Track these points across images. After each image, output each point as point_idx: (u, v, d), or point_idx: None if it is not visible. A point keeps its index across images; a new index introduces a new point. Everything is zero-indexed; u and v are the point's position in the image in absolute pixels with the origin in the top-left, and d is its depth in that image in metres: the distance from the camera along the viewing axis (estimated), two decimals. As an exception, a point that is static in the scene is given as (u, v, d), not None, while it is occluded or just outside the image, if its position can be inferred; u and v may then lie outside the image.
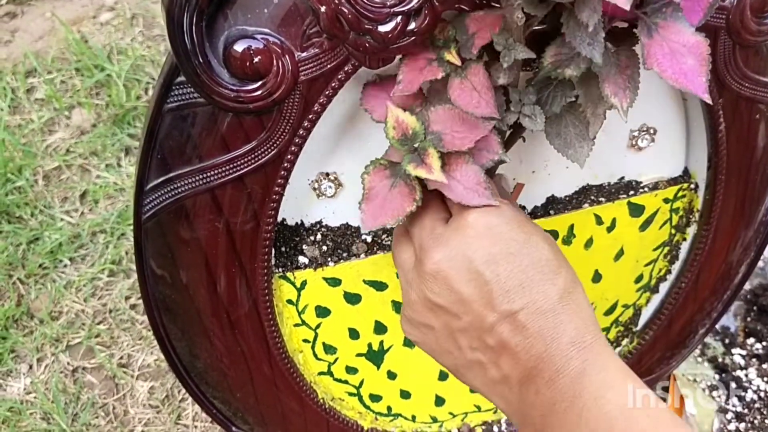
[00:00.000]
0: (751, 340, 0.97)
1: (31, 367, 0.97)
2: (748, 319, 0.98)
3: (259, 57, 0.48)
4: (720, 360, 0.95)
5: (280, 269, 0.62)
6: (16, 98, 1.22)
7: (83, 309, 1.01)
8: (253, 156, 0.53)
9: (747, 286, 1.01)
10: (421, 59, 0.49)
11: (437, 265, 0.48)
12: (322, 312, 0.66)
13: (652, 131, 0.66)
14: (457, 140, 0.49)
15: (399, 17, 0.48)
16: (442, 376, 0.75)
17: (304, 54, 0.49)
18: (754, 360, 0.95)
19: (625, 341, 0.79)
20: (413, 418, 0.77)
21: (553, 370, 0.45)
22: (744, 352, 0.96)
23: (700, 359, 0.95)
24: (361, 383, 0.72)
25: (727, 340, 0.97)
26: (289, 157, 0.54)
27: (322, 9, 0.47)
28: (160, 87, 0.51)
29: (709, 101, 0.47)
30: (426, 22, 0.48)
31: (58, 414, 0.92)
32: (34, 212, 1.10)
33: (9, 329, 1.00)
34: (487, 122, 0.49)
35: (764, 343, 0.96)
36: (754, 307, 0.99)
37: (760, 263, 1.03)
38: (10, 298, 1.02)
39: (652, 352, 0.79)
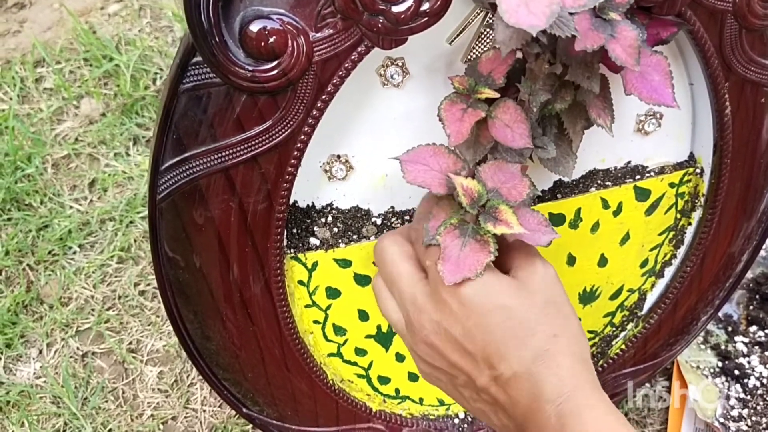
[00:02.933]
0: (753, 328, 0.97)
1: (41, 351, 0.98)
2: (751, 307, 0.99)
3: (274, 37, 0.49)
4: (723, 347, 0.96)
5: (292, 250, 0.63)
6: (25, 88, 1.23)
7: (93, 295, 1.02)
8: (267, 136, 0.54)
9: (749, 275, 1.02)
10: (456, 111, 0.53)
11: (427, 337, 0.54)
12: (333, 293, 0.67)
13: (658, 116, 0.67)
14: (513, 192, 0.54)
15: (412, -2, 0.48)
16: (450, 359, 0.76)
17: (319, 34, 0.50)
18: (756, 347, 0.96)
19: (630, 325, 0.80)
20: (420, 400, 0.78)
21: (537, 428, 0.49)
22: (747, 340, 0.97)
23: (703, 346, 0.96)
24: (370, 365, 0.73)
25: (729, 328, 0.98)
26: (302, 137, 0.55)
27: (337, -11, 0.48)
28: (176, 67, 0.52)
29: (678, 108, 0.56)
30: (438, 3, 0.49)
31: (68, 398, 0.93)
32: (44, 200, 1.11)
33: (19, 315, 1.00)
34: (518, 157, 0.55)
35: (766, 331, 0.97)
36: (757, 296, 1.00)
37: (763, 252, 1.03)
38: (20, 284, 1.03)
39: (657, 337, 0.80)
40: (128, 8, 1.36)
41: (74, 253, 1.06)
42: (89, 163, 1.16)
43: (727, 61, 0.60)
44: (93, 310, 1.01)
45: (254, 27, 0.49)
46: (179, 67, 0.52)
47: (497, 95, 0.53)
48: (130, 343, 0.99)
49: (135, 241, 1.07)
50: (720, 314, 1.00)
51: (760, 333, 0.97)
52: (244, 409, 0.73)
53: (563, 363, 0.50)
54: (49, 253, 1.06)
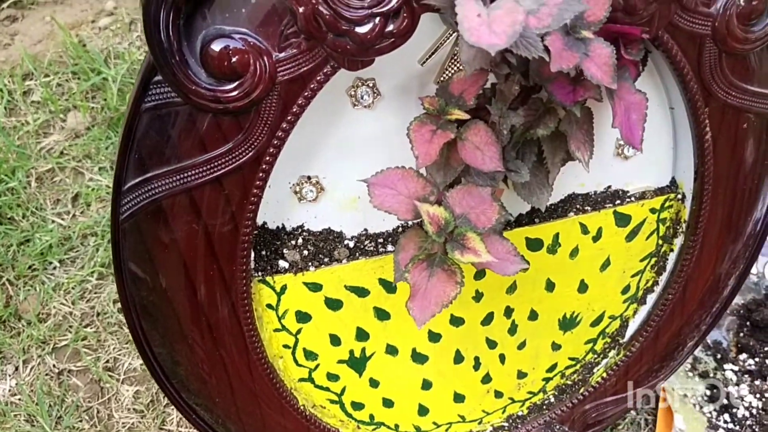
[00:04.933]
0: (743, 356, 0.95)
1: (17, 368, 0.96)
2: (741, 334, 0.97)
3: (236, 57, 0.48)
4: (712, 375, 0.94)
5: (260, 273, 0.62)
6: (12, 100, 1.22)
7: (71, 311, 1.00)
8: (230, 157, 0.52)
9: (740, 301, 1.00)
10: (426, 132, 0.52)
11: None
12: (303, 317, 0.65)
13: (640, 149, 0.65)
14: (482, 218, 0.53)
15: (377, 18, 0.47)
16: (426, 385, 0.74)
17: (282, 54, 0.49)
18: (746, 376, 0.93)
19: (612, 353, 0.78)
20: (396, 427, 0.76)
21: None
22: (736, 368, 0.94)
23: (691, 374, 0.94)
24: (343, 390, 0.72)
25: (719, 355, 0.96)
26: (267, 158, 0.53)
27: (300, 9, 0.47)
28: (138, 86, 0.51)
29: (641, 151, 0.55)
30: (404, 23, 0.48)
31: (42, 417, 0.91)
32: (26, 214, 1.09)
33: (-4, 330, 0.99)
34: (489, 186, 0.53)
35: (757, 359, 0.95)
36: (747, 323, 0.98)
37: (753, 278, 1.02)
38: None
39: (639, 365, 0.78)
40: (119, 22, 1.35)
41: (54, 268, 1.05)
42: (73, 177, 1.14)
43: (706, 85, 0.58)
44: (71, 326, 0.99)
45: (216, 46, 0.48)
46: (140, 86, 0.51)
47: (467, 117, 0.52)
48: (107, 361, 0.97)
49: (116, 257, 1.05)
50: (709, 341, 0.98)
51: (750, 361, 0.95)
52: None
53: None
54: (29, 268, 1.05)
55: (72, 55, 1.28)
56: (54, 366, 0.97)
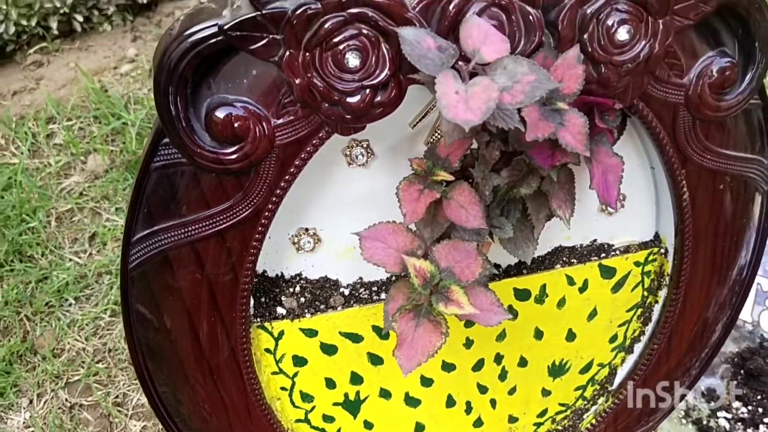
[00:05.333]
0: (737, 404, 0.97)
1: (31, 401, 1.00)
2: (735, 382, 0.99)
3: (238, 123, 0.53)
4: (705, 422, 0.95)
5: (259, 319, 0.65)
6: (36, 143, 1.29)
7: (84, 347, 1.04)
8: (231, 213, 0.56)
9: (734, 349, 1.01)
10: (413, 191, 0.56)
11: None
12: (299, 361, 0.69)
13: (621, 197, 0.69)
14: (466, 271, 0.56)
15: (367, 90, 0.52)
16: (419, 428, 0.77)
17: (280, 120, 0.53)
18: (739, 424, 0.95)
19: (601, 399, 0.80)
20: (391, 468, 0.79)
21: None
22: (730, 416, 0.96)
23: (684, 421, 0.95)
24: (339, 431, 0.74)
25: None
26: (266, 214, 0.57)
27: (296, 81, 0.51)
28: (148, 147, 0.55)
29: (616, 210, 0.61)
30: (392, 94, 0.52)
31: (53, 450, 0.95)
32: (45, 252, 1.14)
33: (13, 364, 1.03)
34: (474, 241, 0.57)
35: (750, 407, 0.96)
36: (741, 371, 1.00)
37: (749, 326, 1.03)
38: (17, 334, 1.06)
39: (628, 411, 0.80)
40: (139, 68, 1.42)
41: (70, 305, 1.09)
42: (91, 217, 1.20)
43: (681, 149, 0.62)
44: (83, 362, 1.04)
45: (220, 113, 0.52)
46: (151, 147, 0.55)
47: (452, 178, 0.56)
48: (117, 396, 1.01)
49: (129, 295, 1.10)
50: (703, 388, 0.99)
51: (743, 409, 0.96)
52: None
53: None
54: (46, 304, 1.09)
55: (94, 100, 1.34)
56: (66, 400, 1.00)
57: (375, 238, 0.57)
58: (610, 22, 0.52)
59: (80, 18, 1.47)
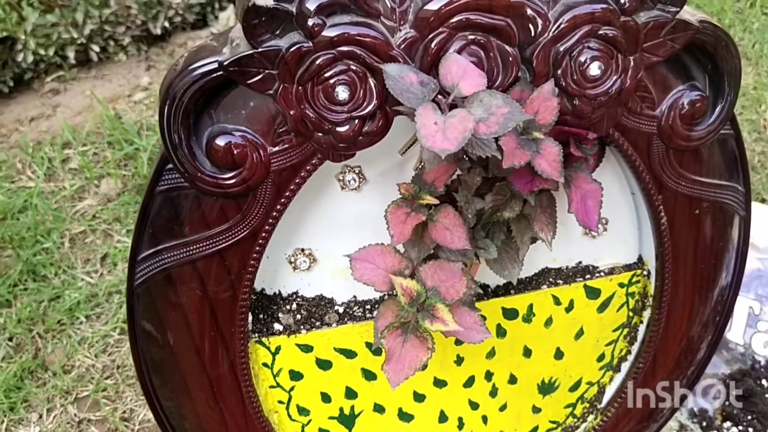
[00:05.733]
0: (727, 424, 0.99)
1: (41, 416, 1.04)
2: (726, 403, 1.01)
3: (237, 150, 0.57)
4: (696, 442, 0.97)
5: (257, 335, 0.69)
6: (51, 167, 1.34)
7: (93, 364, 1.08)
8: (230, 234, 0.60)
9: (726, 371, 1.04)
10: (401, 214, 0.59)
11: None
12: (296, 376, 0.72)
13: (604, 221, 0.72)
14: (451, 291, 0.59)
15: (356, 120, 0.55)
16: (412, 443, 0.80)
17: (276, 148, 0.57)
18: (730, 444, 0.97)
19: (590, 417, 0.83)
20: (385, 483, 0.81)
21: None
22: (721, 436, 0.98)
23: (676, 441, 0.97)
24: (334, 446, 0.77)
25: (704, 423, 0.99)
26: (263, 235, 0.61)
27: (291, 112, 0.55)
28: (153, 172, 0.59)
29: (597, 233, 0.66)
30: (379, 124, 0.56)
31: (61, 463, 0.98)
32: (58, 272, 1.19)
33: (24, 380, 1.07)
34: (460, 261, 0.60)
35: (741, 428, 0.98)
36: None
37: (741, 348, 1.06)
38: (29, 351, 1.10)
39: (617, 429, 0.82)
40: (152, 96, 1.47)
41: (81, 323, 1.13)
42: (103, 239, 1.24)
43: (657, 176, 0.65)
44: (92, 378, 1.07)
45: (220, 141, 0.57)
46: (155, 172, 0.59)
47: (437, 202, 0.59)
48: (124, 411, 1.04)
49: (138, 314, 1.14)
50: (695, 409, 1.01)
51: (734, 429, 0.98)
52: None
53: None
54: (58, 322, 1.13)
55: (108, 127, 1.40)
56: (75, 415, 1.04)
57: (365, 260, 0.61)
58: (582, 59, 0.56)
59: (96, 48, 1.54)
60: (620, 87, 0.58)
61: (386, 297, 0.71)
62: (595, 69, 0.56)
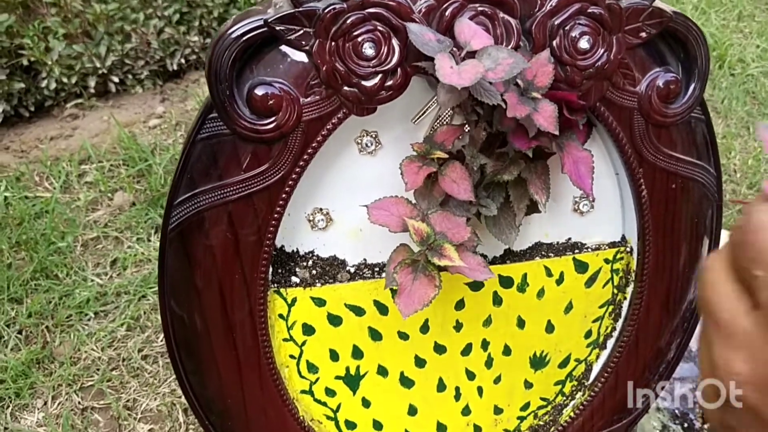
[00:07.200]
0: (708, 425, 1.03)
1: (45, 403, 1.06)
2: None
3: (273, 100, 0.65)
4: (679, 440, 1.02)
5: (275, 285, 0.75)
6: (68, 180, 1.41)
7: (100, 356, 1.12)
8: (262, 178, 0.68)
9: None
10: (414, 166, 0.67)
11: None
12: (308, 330, 0.77)
13: (591, 198, 0.80)
14: (457, 235, 0.67)
15: (379, 75, 0.64)
16: (412, 411, 0.84)
17: (307, 99, 0.65)
18: (711, 442, 1.01)
19: (578, 394, 0.88)
20: (384, 452, 0.85)
21: None
22: (703, 436, 1.02)
23: (659, 438, 1.02)
24: (338, 407, 0.82)
25: (686, 425, 1.04)
26: (290, 182, 0.68)
27: (323, 66, 0.64)
28: (196, 121, 0.67)
29: (592, 197, 0.73)
30: (399, 80, 0.65)
31: (64, 445, 1.00)
32: (70, 272, 1.24)
33: (31, 368, 1.10)
34: (465, 212, 0.68)
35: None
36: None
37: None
38: (37, 342, 1.13)
39: (602, 411, 0.87)
40: (167, 123, 1.57)
41: (89, 319, 1.18)
42: (114, 245, 1.30)
43: (638, 150, 0.73)
44: (98, 369, 1.11)
45: (259, 91, 0.65)
46: (198, 120, 0.67)
47: (446, 156, 0.67)
48: (128, 401, 1.07)
49: (144, 312, 1.18)
50: (677, 411, 1.06)
51: None
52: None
53: None
54: (67, 317, 1.18)
55: (124, 146, 1.48)
56: (79, 403, 1.07)
57: (380, 208, 0.68)
58: (573, 33, 0.66)
59: (116, 79, 1.64)
60: (606, 61, 0.67)
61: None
62: (584, 42, 0.66)
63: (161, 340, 1.06)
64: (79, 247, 1.27)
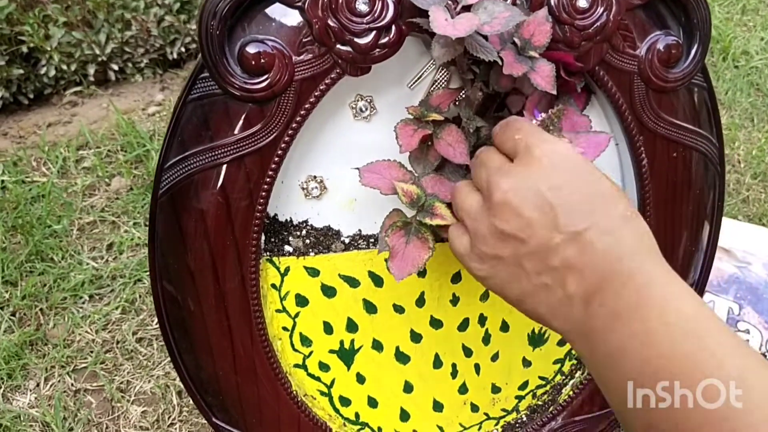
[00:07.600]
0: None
1: (38, 384, 1.05)
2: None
3: (265, 58, 0.63)
4: None
5: (268, 253, 0.73)
6: (65, 166, 1.40)
7: (94, 339, 1.10)
8: (253, 139, 0.66)
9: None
10: (409, 129, 0.66)
11: (505, 195, 0.53)
12: (302, 301, 0.76)
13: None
14: (449, 197, 0.65)
15: (373, 32, 0.63)
16: (407, 388, 0.82)
17: (300, 57, 0.64)
18: None
19: (578, 373, 0.86)
20: (379, 429, 0.83)
21: (619, 284, 0.48)
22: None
23: None
24: (332, 383, 0.80)
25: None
26: (282, 145, 0.67)
27: (316, 22, 0.63)
28: (187, 81, 0.66)
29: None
30: (393, 38, 0.63)
31: (56, 425, 0.99)
32: (65, 255, 1.22)
33: (24, 350, 1.09)
34: (460, 177, 0.66)
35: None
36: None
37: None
38: (31, 324, 1.12)
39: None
40: (166, 110, 1.56)
41: (84, 302, 1.16)
42: (111, 229, 1.29)
43: (638, 116, 0.72)
44: (92, 351, 1.09)
45: (251, 49, 0.63)
46: (189, 83, 0.66)
47: (442, 118, 0.66)
48: (121, 383, 1.06)
49: (140, 296, 1.17)
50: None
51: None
52: (213, 419, 0.79)
53: (646, 231, 0.51)
54: (62, 300, 1.16)
55: (122, 133, 1.47)
56: (72, 385, 1.05)
57: (372, 171, 0.67)
58: (572, -9, 0.64)
59: (115, 67, 1.63)
60: (605, 22, 0.66)
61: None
62: (583, 1, 0.64)
63: (156, 324, 1.05)
64: (76, 231, 1.26)
